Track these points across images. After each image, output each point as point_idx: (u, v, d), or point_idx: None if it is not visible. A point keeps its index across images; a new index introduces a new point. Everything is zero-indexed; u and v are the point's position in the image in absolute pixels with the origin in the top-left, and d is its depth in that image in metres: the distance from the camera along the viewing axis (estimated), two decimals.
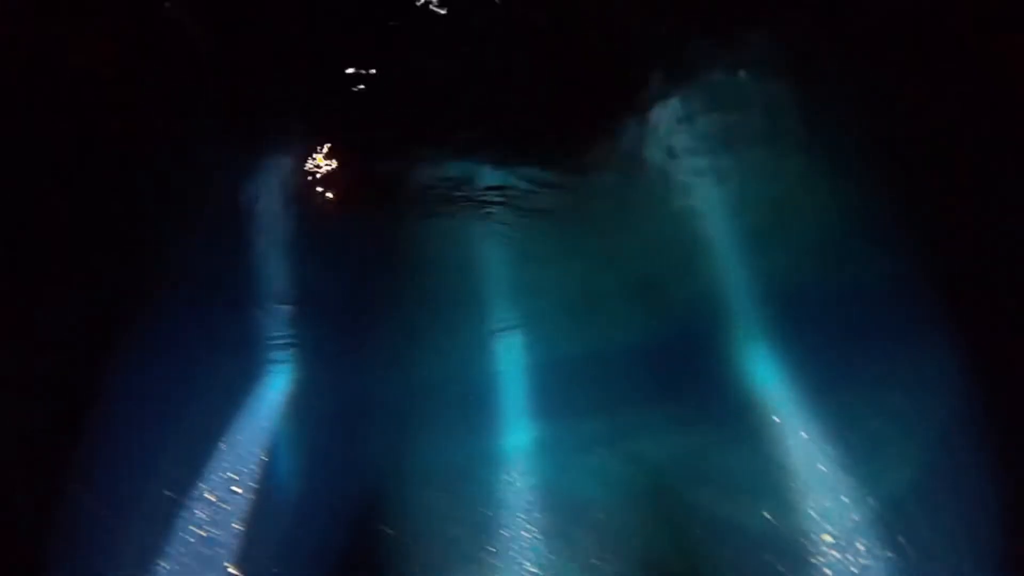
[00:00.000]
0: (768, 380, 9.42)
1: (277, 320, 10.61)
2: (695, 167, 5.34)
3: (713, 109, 4.68)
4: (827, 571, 7.27)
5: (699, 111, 4.63)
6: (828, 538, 7.48)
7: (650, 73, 4.11)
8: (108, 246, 7.22)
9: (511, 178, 5.18)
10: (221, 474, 8.76)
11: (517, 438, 10.00)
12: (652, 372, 9.94)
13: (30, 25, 3.66)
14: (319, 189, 5.54)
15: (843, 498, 7.69)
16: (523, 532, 8.84)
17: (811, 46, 4.22)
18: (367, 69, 3.94)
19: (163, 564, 7.77)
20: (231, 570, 8.08)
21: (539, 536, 8.76)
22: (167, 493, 8.25)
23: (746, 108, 4.78)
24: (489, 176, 5.21)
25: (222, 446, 8.98)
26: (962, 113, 5.47)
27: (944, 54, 4.66)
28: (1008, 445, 6.43)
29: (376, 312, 8.86)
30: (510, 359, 10.02)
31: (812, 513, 7.73)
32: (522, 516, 9.00)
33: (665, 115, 4.58)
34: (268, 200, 6.27)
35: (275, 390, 10.02)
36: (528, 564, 8.53)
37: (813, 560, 7.37)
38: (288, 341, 10.61)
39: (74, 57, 3.89)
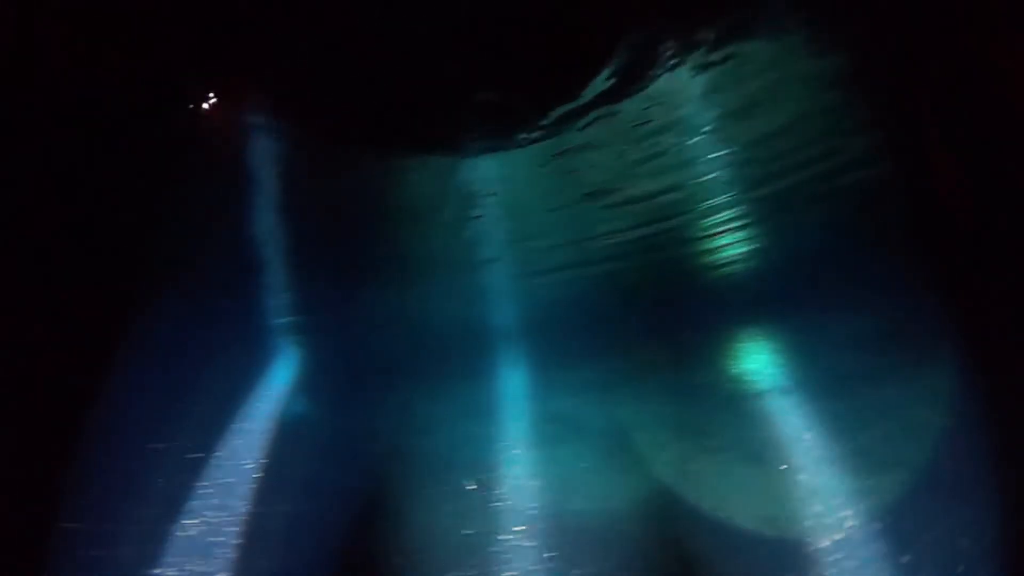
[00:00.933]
0: (767, 375, 9.44)
1: (279, 302, 10.64)
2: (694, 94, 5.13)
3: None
4: (825, 571, 7.27)
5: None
6: (824, 536, 7.47)
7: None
8: (108, 241, 7.23)
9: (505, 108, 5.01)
10: (227, 464, 8.79)
11: (514, 392, 10.15)
12: (646, 329, 10.02)
13: (18, 22, 3.66)
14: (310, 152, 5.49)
15: (841, 497, 7.69)
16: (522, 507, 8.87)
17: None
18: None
19: (168, 557, 7.77)
20: (238, 559, 8.06)
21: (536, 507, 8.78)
22: (172, 486, 8.26)
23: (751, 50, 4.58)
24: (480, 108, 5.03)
25: (227, 436, 9.02)
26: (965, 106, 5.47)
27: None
28: (1008, 446, 6.42)
29: (373, 272, 8.83)
30: (506, 305, 10.09)
31: (809, 512, 7.73)
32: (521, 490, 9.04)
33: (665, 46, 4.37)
34: (261, 177, 6.21)
35: (280, 377, 10.09)
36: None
37: (810, 560, 7.37)
38: (292, 323, 10.66)
39: (63, 53, 3.88)
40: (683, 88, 4.81)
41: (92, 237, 7.01)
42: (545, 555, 8.05)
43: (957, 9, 4.27)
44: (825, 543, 7.43)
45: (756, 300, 9.80)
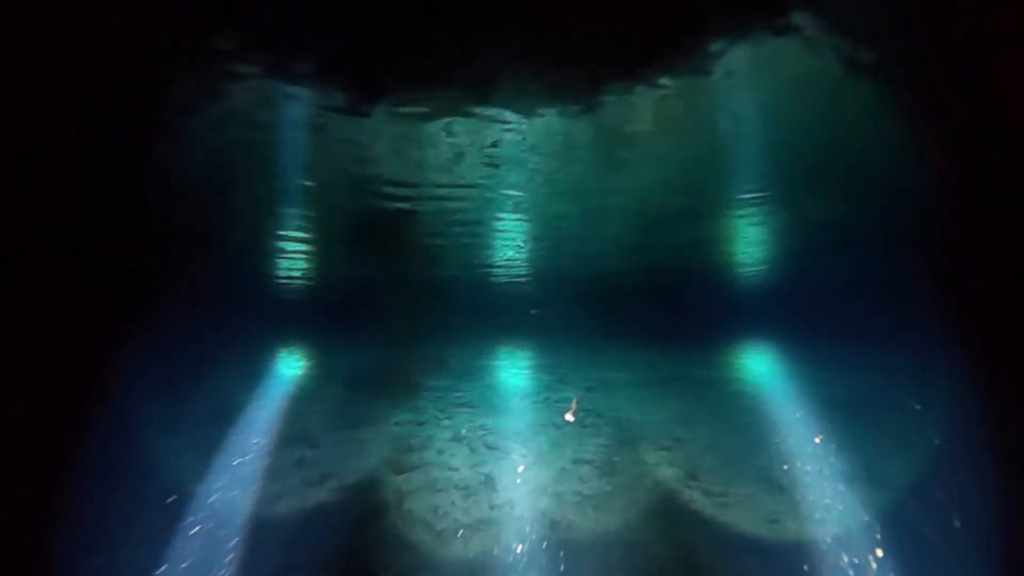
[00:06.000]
0: (769, 375, 9.44)
1: (286, 307, 10.59)
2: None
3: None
4: (825, 572, 7.28)
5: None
6: (825, 536, 7.49)
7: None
8: (114, 242, 7.18)
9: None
10: (229, 464, 8.83)
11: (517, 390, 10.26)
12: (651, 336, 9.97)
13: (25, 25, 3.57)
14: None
15: (842, 497, 7.70)
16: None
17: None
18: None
19: (169, 556, 7.81)
20: (237, 561, 8.09)
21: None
22: (173, 487, 8.30)
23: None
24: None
25: (229, 438, 9.07)
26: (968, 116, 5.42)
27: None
28: (1008, 446, 6.42)
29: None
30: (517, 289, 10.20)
31: (809, 512, 7.75)
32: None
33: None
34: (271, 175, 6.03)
35: (283, 379, 10.16)
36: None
37: (810, 560, 7.38)
38: (298, 328, 10.61)
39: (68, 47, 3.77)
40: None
41: (100, 233, 6.94)
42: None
43: (961, 13, 4.21)
44: (825, 547, 7.44)
45: (765, 309, 9.77)
